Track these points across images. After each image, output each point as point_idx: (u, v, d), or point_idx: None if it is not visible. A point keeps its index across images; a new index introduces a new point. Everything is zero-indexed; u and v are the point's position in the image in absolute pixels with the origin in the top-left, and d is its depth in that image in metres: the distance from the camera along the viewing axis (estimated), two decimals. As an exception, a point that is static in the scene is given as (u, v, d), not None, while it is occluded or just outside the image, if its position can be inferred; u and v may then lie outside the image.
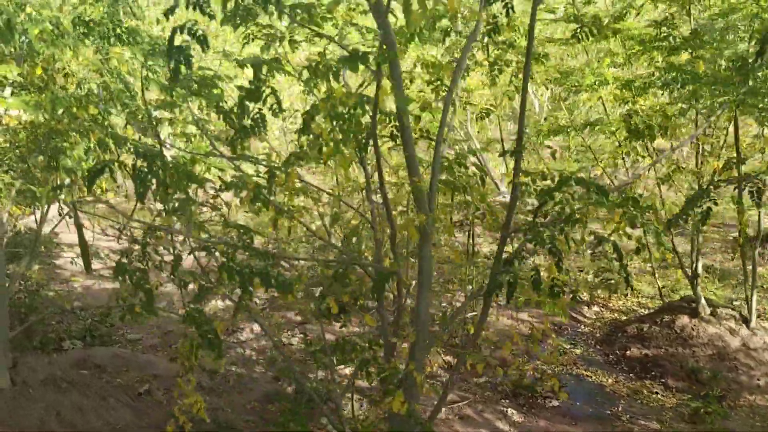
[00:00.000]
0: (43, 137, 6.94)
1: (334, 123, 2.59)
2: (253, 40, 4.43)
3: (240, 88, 3.06)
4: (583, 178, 3.04)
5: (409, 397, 3.77)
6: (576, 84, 7.39)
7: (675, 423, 6.57)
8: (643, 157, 8.32)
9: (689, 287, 10.17)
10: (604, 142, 9.47)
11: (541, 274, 3.52)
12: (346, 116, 2.57)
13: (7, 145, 6.69)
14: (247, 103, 3.01)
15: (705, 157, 7.25)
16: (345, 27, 5.69)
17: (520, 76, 5.35)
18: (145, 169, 3.15)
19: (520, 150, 3.45)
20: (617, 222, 3.57)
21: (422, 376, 3.73)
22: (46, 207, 7.27)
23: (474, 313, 8.85)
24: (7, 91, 6.03)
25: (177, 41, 2.96)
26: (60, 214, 8.11)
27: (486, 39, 4.50)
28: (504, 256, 3.93)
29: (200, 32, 2.55)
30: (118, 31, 6.92)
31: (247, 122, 3.36)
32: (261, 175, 4.42)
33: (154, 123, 4.76)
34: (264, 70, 2.95)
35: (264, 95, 2.96)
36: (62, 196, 7.66)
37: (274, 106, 3.11)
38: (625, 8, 6.42)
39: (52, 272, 11.99)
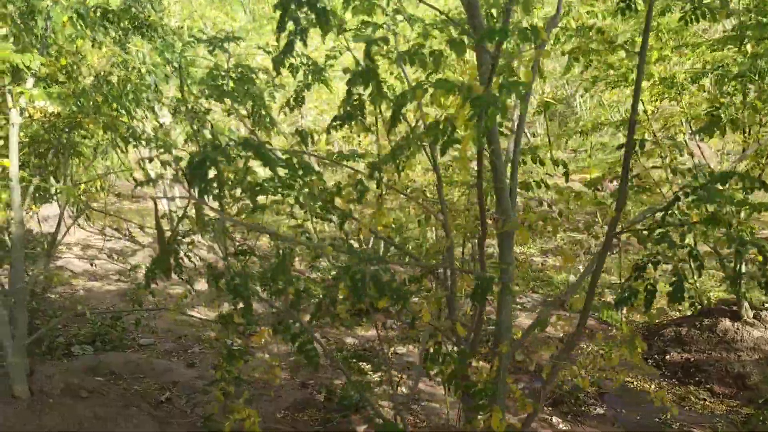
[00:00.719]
0: (61, 131, 6.59)
1: (471, 109, 2.26)
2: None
3: (346, 70, 2.73)
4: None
5: (495, 412, 3.47)
6: (617, 79, 7.13)
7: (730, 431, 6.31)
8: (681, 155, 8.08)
9: (718, 289, 10.00)
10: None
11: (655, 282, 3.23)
12: (488, 101, 2.24)
13: (27, 139, 6.31)
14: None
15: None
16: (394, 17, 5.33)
17: (594, 66, 5.08)
18: (206, 160, 2.77)
19: (632, 143, 3.14)
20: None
21: (519, 390, 3.42)
22: (64, 205, 6.90)
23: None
24: (29, 82, 5.65)
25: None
26: (75, 214, 7.74)
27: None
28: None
29: (323, 5, 2.19)
30: (137, 23, 6.58)
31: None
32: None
33: (203, 114, 4.41)
34: (374, 49, 2.62)
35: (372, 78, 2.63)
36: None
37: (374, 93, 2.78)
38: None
39: (53, 273, 11.56)
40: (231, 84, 4.70)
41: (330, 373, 7.88)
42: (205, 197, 3.00)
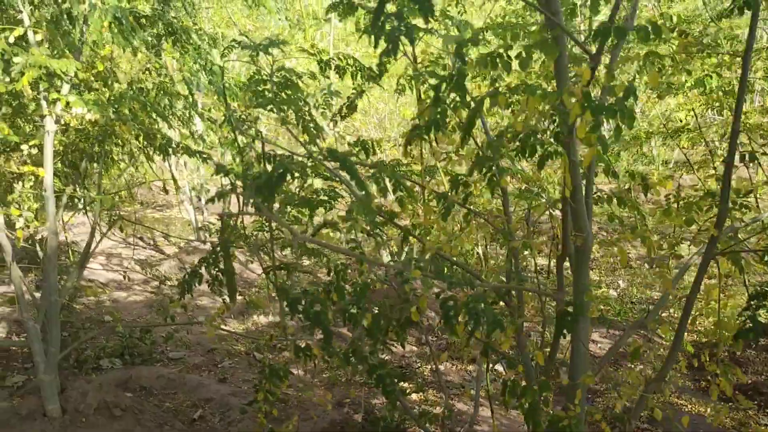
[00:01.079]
0: (95, 139, 6.40)
1: (593, 118, 1.97)
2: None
3: (432, 73, 2.47)
4: None
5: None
6: (670, 86, 6.81)
7: (796, 460, 5.93)
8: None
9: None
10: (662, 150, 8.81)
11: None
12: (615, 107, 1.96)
13: (61, 148, 6.11)
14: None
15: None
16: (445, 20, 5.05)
17: (671, 71, 4.79)
18: (285, 173, 2.52)
19: (733, 154, 2.85)
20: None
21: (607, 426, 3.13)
22: (97, 214, 6.70)
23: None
24: (65, 88, 5.46)
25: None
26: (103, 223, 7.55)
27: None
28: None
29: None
30: (170, 29, 6.39)
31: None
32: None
33: (250, 120, 4.18)
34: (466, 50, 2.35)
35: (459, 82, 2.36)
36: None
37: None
38: None
39: (84, 285, 11.40)
40: (274, 90, 4.48)
41: (366, 392, 7.59)
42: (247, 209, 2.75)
